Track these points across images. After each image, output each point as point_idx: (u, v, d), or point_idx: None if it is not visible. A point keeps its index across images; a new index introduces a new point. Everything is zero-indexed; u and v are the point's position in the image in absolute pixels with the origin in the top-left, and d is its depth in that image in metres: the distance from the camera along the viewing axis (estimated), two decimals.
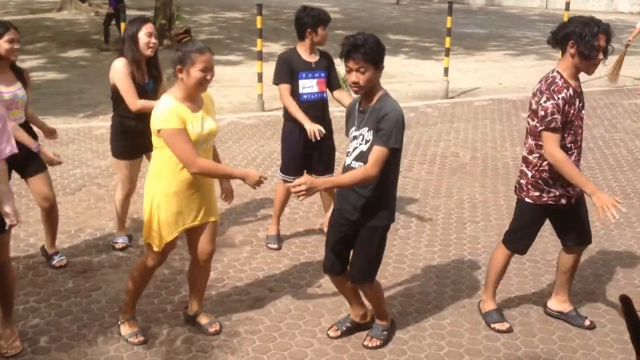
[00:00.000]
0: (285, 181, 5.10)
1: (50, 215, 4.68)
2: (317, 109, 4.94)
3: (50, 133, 4.88)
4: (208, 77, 3.48)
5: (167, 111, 3.43)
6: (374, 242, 3.65)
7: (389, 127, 3.36)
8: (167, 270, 4.65)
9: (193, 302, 4.04)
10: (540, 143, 3.73)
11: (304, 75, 4.89)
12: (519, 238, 4.01)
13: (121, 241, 5.06)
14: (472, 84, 11.83)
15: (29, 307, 4.18)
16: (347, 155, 3.60)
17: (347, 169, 3.56)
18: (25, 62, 10.93)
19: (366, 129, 3.46)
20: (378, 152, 3.36)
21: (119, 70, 4.53)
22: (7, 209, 3.27)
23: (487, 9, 27.09)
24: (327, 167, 5.12)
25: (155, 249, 3.65)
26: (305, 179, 3.26)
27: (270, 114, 9.34)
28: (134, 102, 4.52)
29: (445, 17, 10.47)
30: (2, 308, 3.74)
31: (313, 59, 4.95)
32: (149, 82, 4.68)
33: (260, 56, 9.54)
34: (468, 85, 11.70)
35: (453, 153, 7.71)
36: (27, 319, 4.05)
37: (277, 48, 14.97)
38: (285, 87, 4.89)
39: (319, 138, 4.76)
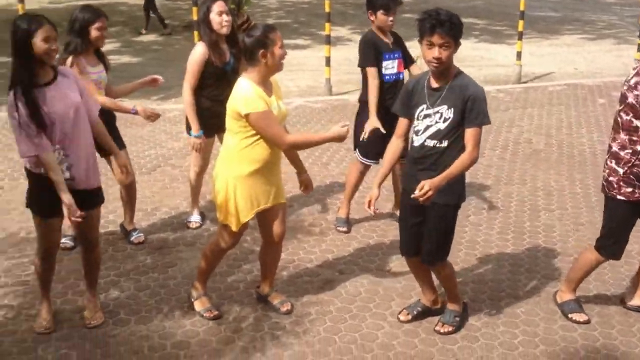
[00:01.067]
0: (365, 165, 5.10)
1: (129, 193, 4.83)
2: (397, 89, 4.89)
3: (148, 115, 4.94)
4: (284, 54, 3.58)
5: (252, 95, 3.49)
6: (445, 221, 3.62)
7: (480, 107, 3.38)
8: (239, 250, 4.72)
9: (265, 282, 4.10)
10: (634, 138, 3.56)
11: (386, 56, 4.87)
12: (612, 242, 3.81)
13: (195, 220, 5.18)
14: (545, 68, 11.50)
15: (110, 281, 4.34)
16: (414, 134, 3.56)
17: (421, 148, 3.51)
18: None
19: (445, 107, 3.42)
20: (476, 134, 3.39)
21: (191, 55, 4.68)
22: (66, 199, 3.41)
23: None
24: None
25: (234, 228, 3.72)
26: (425, 183, 3.29)
27: (338, 98, 9.33)
28: (185, 89, 4.69)
29: (518, 0, 10.19)
30: (88, 282, 3.92)
31: (390, 39, 4.92)
32: (229, 62, 4.74)
33: (328, 40, 9.52)
34: (542, 70, 11.37)
35: (526, 139, 7.53)
36: (108, 291, 4.21)
37: (344, 32, 14.93)
38: (374, 70, 4.85)
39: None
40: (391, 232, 5.16)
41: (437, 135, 3.45)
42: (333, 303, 4.14)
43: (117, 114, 4.83)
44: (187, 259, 4.64)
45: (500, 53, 12.82)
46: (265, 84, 3.62)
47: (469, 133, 3.39)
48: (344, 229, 5.19)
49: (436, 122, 3.45)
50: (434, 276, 3.93)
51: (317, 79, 10.38)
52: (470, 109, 3.37)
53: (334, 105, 8.99)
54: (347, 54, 12.04)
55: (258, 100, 3.48)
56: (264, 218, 3.87)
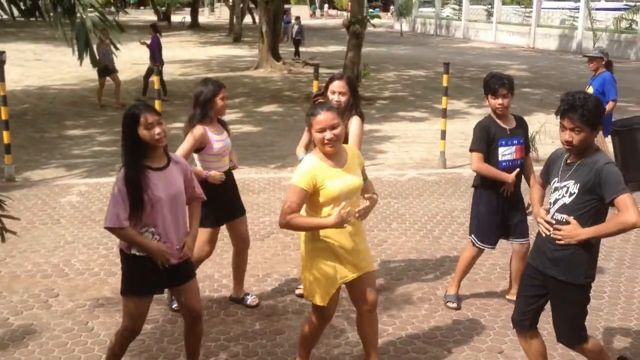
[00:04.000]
0: (479, 249, 5.05)
1: (242, 257, 5.01)
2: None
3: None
4: (327, 137, 3.52)
5: (305, 170, 3.58)
6: (568, 301, 3.51)
7: (616, 177, 3.32)
8: (347, 321, 4.71)
9: (369, 354, 4.03)
10: None
11: (502, 142, 4.83)
12: None
13: (302, 288, 5.24)
14: None
15: (220, 345, 4.45)
16: (550, 205, 3.57)
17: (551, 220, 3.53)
18: (225, 116, 11.91)
19: (572, 182, 3.43)
20: (625, 199, 3.27)
21: None
22: (154, 247, 3.58)
23: None
24: (516, 233, 4.98)
25: (320, 303, 3.72)
26: (574, 225, 3.36)
27: (452, 172, 9.27)
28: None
29: None
30: (188, 353, 3.95)
31: (510, 124, 4.88)
32: None
33: (444, 113, 9.56)
34: None
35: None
36: (217, 355, 4.31)
37: (460, 105, 14.95)
38: (477, 155, 4.85)
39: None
40: (504, 311, 4.98)
41: (564, 210, 3.45)
42: None
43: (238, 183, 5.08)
44: (295, 327, 4.69)
45: None
46: (332, 156, 3.62)
47: (618, 203, 3.28)
48: (454, 305, 5.07)
49: (562, 196, 3.46)
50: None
51: (431, 151, 10.40)
52: (605, 181, 3.32)
53: (448, 178, 8.93)
54: (463, 127, 12.02)
55: (305, 177, 3.55)
56: (353, 289, 3.83)
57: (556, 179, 3.53)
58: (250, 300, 5.01)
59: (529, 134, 5.10)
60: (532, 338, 3.72)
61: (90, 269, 5.67)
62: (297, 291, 5.21)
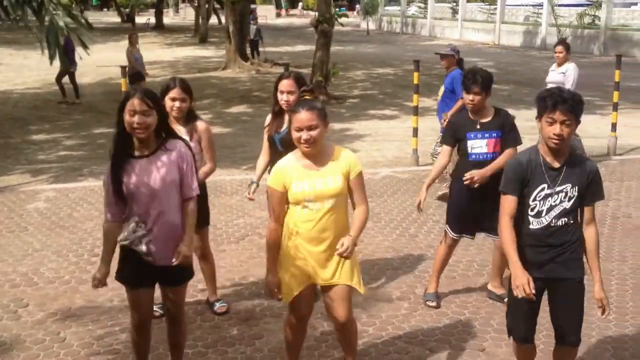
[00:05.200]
0: (453, 239, 5.00)
1: (206, 265, 4.92)
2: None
3: None
4: (304, 137, 3.41)
5: (275, 169, 3.59)
6: (581, 295, 3.51)
7: (599, 182, 3.45)
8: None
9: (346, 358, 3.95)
10: None
11: (471, 135, 4.82)
12: None
13: None
14: None
15: (197, 352, 4.34)
16: (533, 216, 3.43)
17: (546, 229, 3.42)
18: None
19: (569, 185, 3.39)
20: (593, 209, 3.46)
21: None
22: (97, 273, 3.56)
23: None
24: (496, 229, 4.94)
25: (284, 299, 3.67)
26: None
27: (425, 169, 9.24)
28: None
29: (611, 71, 9.95)
30: (173, 356, 3.90)
31: (485, 118, 4.84)
32: (282, 132, 4.73)
33: (416, 111, 9.55)
34: (637, 141, 10.95)
35: (625, 214, 7.18)
36: None
37: (430, 103, 14.96)
38: (444, 149, 4.96)
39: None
40: (484, 308, 4.96)
41: (565, 215, 3.41)
42: None
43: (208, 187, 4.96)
44: (274, 330, 4.60)
45: (591, 124, 12.42)
46: (312, 157, 3.50)
47: (590, 210, 3.44)
48: (434, 303, 5.03)
49: (561, 202, 3.41)
50: None
51: (403, 149, 10.39)
52: (591, 185, 3.40)
53: (421, 176, 8.89)
54: (433, 124, 12.01)
55: (275, 176, 3.54)
56: (325, 298, 3.70)
57: (544, 185, 3.39)
58: (218, 307, 4.89)
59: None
60: (534, 348, 3.68)
61: (61, 277, 5.50)
62: None
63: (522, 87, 18.14)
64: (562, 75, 8.60)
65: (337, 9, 22.86)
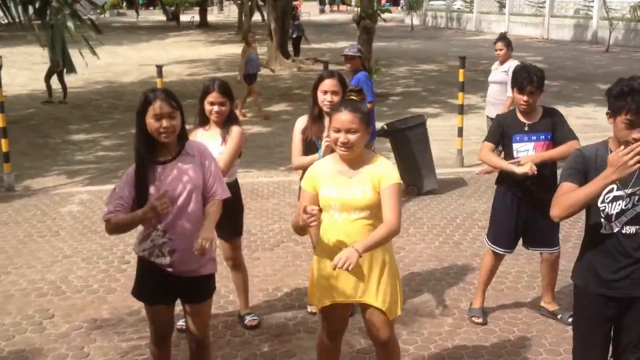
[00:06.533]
0: (494, 252, 4.63)
1: (237, 276, 4.65)
2: (537, 176, 4.30)
3: None
4: (341, 140, 3.13)
5: (309, 170, 3.35)
6: None
7: None
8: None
9: None
10: None
11: (517, 137, 4.43)
12: None
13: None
14: None
15: None
16: (605, 218, 3.00)
17: (619, 236, 2.97)
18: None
19: None
20: None
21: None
22: (141, 211, 3.14)
23: None
24: (544, 242, 4.57)
25: (313, 309, 3.39)
26: None
27: (470, 170, 8.84)
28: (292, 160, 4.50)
29: None
30: None
31: (533, 119, 4.43)
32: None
33: (461, 110, 9.13)
34: None
35: None
36: None
37: (475, 100, 14.48)
38: (487, 145, 4.53)
39: (534, 173, 4.21)
40: (535, 325, 4.59)
41: (636, 220, 2.95)
42: None
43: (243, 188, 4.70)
44: (307, 348, 4.31)
45: None
46: (350, 162, 3.20)
47: None
48: (480, 320, 4.67)
49: (633, 205, 2.95)
50: None
51: (447, 149, 9.96)
52: None
53: (466, 178, 8.51)
54: (478, 122, 11.58)
55: (306, 178, 3.30)
56: (364, 315, 3.39)
57: (613, 187, 2.94)
58: (249, 320, 4.62)
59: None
60: None
61: (89, 286, 5.32)
62: (310, 308, 4.82)
63: (573, 82, 17.46)
64: (505, 74, 7.96)
65: (382, 5, 22.44)
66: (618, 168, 2.70)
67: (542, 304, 4.82)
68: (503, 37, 8.53)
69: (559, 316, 4.67)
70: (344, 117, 3.13)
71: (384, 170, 3.20)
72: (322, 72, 4.56)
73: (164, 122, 3.14)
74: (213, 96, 4.24)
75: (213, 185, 3.33)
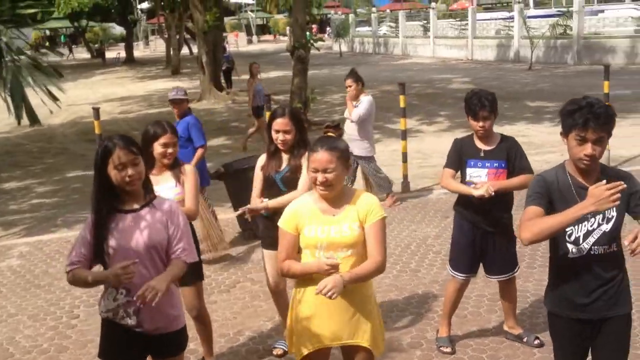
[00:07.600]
0: (457, 279, 4.62)
1: (199, 325, 4.48)
2: (490, 203, 4.31)
3: None
4: (319, 179, 3.07)
5: (288, 210, 3.23)
6: (628, 335, 3.09)
7: None
8: None
9: None
10: None
11: (471, 163, 4.45)
12: None
13: (280, 346, 4.71)
14: (633, 150, 10.84)
15: None
16: (572, 243, 3.01)
17: (587, 257, 2.98)
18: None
19: None
20: None
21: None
22: (105, 275, 3.04)
23: (628, 68, 25.55)
24: (504, 268, 4.58)
25: (279, 351, 3.28)
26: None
27: (417, 195, 8.90)
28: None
29: (587, 79, 9.73)
30: None
31: (489, 146, 4.45)
32: (282, 171, 4.35)
33: (404, 136, 9.22)
34: (629, 152, 10.72)
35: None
36: None
37: (412, 124, 14.70)
38: (447, 171, 4.51)
39: (491, 194, 4.21)
40: (502, 350, 4.59)
41: (603, 240, 2.97)
42: None
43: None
44: None
45: None
46: (331, 200, 3.13)
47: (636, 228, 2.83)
48: (449, 349, 4.64)
49: (598, 225, 2.96)
50: None
51: (390, 174, 9.97)
52: (632, 198, 2.94)
53: (414, 203, 8.55)
54: (418, 146, 11.73)
55: (287, 219, 3.19)
56: (350, 356, 3.31)
57: None
58: None
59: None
60: None
61: (39, 346, 5.01)
62: (275, 351, 4.68)
63: (503, 101, 17.89)
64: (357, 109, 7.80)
65: (314, 34, 22.60)
66: (599, 201, 2.73)
67: (506, 328, 4.82)
68: (352, 73, 8.04)
69: (524, 339, 4.69)
70: (320, 156, 3.07)
71: (369, 205, 3.15)
72: (276, 108, 4.48)
73: (129, 171, 2.99)
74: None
75: (179, 243, 3.14)
